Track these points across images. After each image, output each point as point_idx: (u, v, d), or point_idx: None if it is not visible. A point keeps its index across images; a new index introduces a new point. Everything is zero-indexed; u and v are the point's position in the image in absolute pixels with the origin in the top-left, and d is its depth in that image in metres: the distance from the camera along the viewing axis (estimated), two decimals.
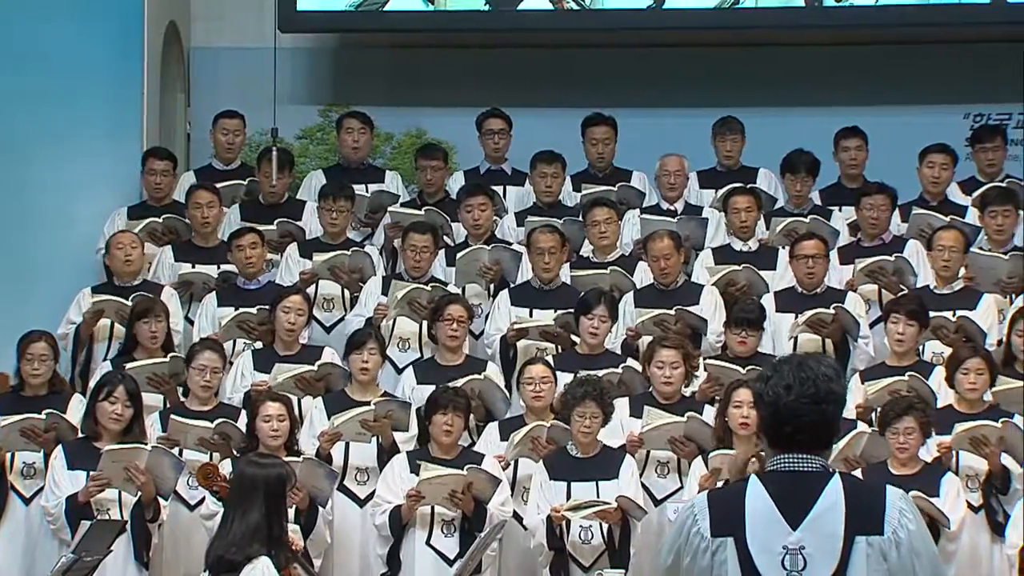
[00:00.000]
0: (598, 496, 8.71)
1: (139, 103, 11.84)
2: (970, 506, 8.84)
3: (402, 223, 10.85)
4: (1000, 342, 9.72)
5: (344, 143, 11.82)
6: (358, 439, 9.18)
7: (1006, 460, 8.87)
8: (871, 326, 10.09)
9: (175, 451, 9.00)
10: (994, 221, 10.51)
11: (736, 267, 10.41)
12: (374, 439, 9.21)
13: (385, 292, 10.27)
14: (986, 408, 9.07)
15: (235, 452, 8.97)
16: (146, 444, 8.80)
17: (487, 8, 12.13)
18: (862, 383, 9.40)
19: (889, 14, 12.08)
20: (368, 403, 9.20)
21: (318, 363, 9.63)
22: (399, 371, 9.95)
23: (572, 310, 9.91)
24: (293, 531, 7.98)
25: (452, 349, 9.74)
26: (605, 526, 8.68)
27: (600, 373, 9.32)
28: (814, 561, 4.47)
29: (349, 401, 9.35)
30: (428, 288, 10.15)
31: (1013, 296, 10.08)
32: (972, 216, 10.85)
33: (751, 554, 4.50)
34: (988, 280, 10.16)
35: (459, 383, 9.26)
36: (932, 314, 9.71)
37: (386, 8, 12.19)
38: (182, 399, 9.53)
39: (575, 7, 12.12)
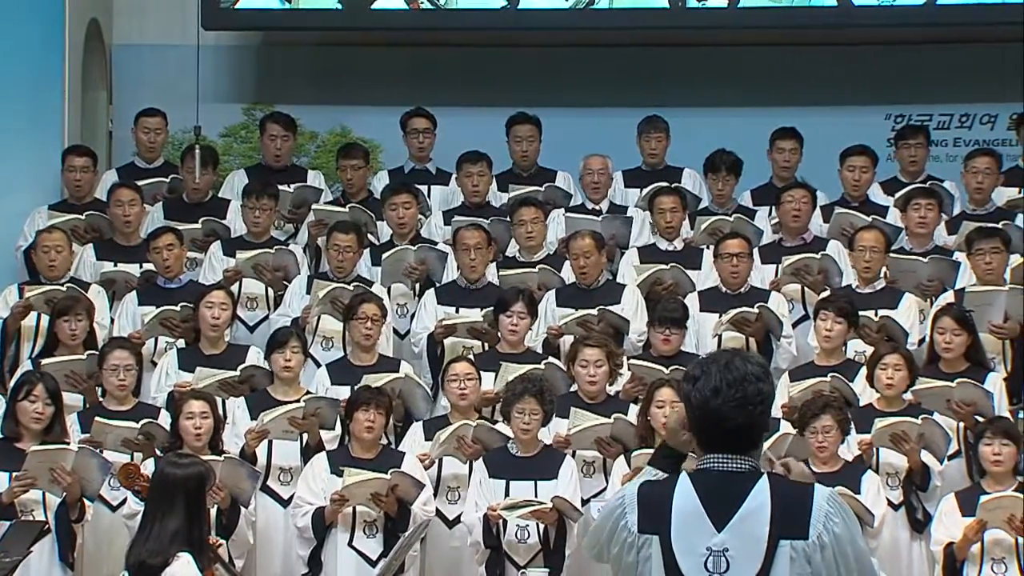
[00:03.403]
0: (536, 496, 8.72)
1: (60, 101, 11.75)
2: (890, 503, 8.91)
3: (326, 221, 10.83)
4: (921, 341, 9.81)
5: (267, 148, 11.81)
6: (285, 437, 9.15)
7: (926, 457, 8.94)
8: (794, 326, 10.17)
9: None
10: (916, 214, 10.57)
11: (663, 266, 10.45)
12: (299, 438, 9.18)
13: (309, 292, 10.24)
14: (906, 407, 9.14)
15: (158, 452, 8.91)
16: (69, 444, 8.73)
17: (339, 7, 12.14)
18: (790, 382, 9.46)
19: (810, 15, 12.18)
20: (293, 401, 9.17)
21: (240, 367, 9.58)
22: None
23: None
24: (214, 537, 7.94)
25: (366, 348, 9.72)
26: (542, 526, 8.69)
27: (522, 369, 9.34)
28: (737, 563, 4.48)
29: (272, 400, 9.31)
30: (351, 287, 10.13)
31: (933, 298, 10.16)
32: (893, 216, 10.93)
33: (675, 554, 4.51)
34: (908, 282, 10.23)
35: (381, 382, 9.23)
36: None
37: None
38: (100, 399, 9.45)
39: (429, 7, 12.15)
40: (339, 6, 12.17)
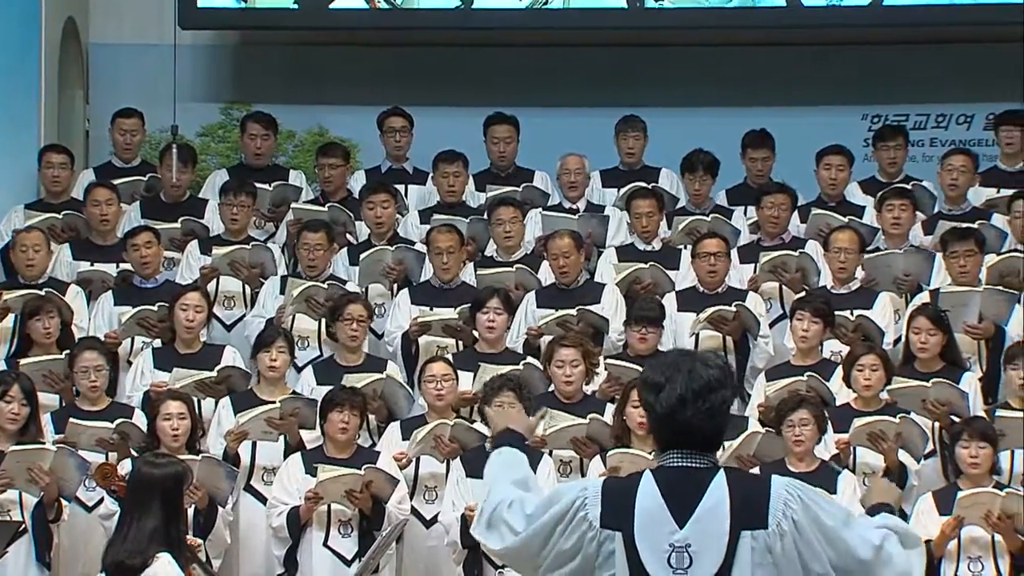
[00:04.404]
0: None
1: (36, 100, 11.74)
2: None
3: (304, 220, 10.82)
4: (897, 341, 9.83)
5: (247, 147, 11.80)
6: (265, 438, 9.14)
7: (903, 456, 8.96)
8: (771, 325, 10.19)
9: None
10: (890, 214, 10.59)
11: (643, 265, 10.46)
12: (281, 438, 9.18)
13: (283, 292, 10.23)
14: (883, 406, 9.17)
15: (134, 452, 8.89)
16: (45, 444, 8.71)
17: (296, 7, 12.15)
18: (767, 382, 9.48)
19: (787, 16, 12.20)
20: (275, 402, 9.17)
21: (217, 368, 9.56)
22: (298, 369, 9.90)
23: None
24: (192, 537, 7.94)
25: (352, 349, 9.72)
26: None
27: (500, 370, 9.34)
28: (699, 558, 4.52)
29: (257, 400, 9.28)
30: (324, 286, 10.12)
31: (908, 295, 10.19)
32: (870, 216, 10.96)
33: (638, 551, 4.55)
34: (886, 278, 10.26)
35: (362, 384, 9.23)
36: None
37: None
38: (76, 399, 9.42)
39: (386, 6, 12.15)
40: (295, 6, 12.18)
